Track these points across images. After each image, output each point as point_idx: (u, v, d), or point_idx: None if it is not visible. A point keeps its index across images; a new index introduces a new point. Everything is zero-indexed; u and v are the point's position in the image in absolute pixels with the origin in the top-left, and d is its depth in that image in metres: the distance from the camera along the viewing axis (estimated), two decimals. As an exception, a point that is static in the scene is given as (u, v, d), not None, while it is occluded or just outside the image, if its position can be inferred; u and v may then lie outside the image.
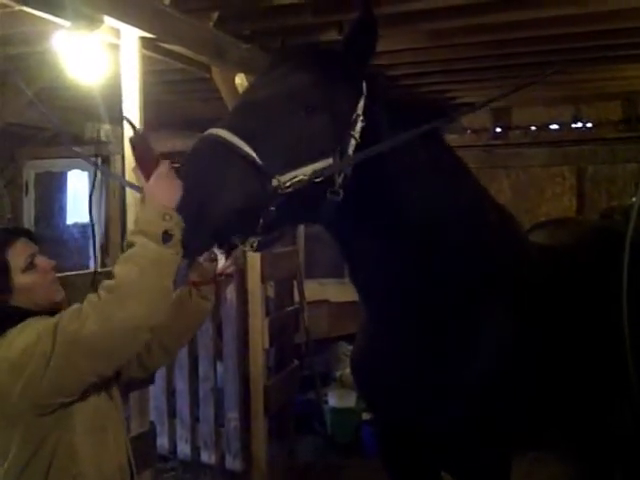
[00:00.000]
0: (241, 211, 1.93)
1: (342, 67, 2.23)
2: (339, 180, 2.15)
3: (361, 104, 2.22)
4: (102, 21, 3.39)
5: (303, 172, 2.04)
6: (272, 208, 2.00)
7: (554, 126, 8.16)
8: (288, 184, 1.99)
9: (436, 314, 2.48)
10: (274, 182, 1.97)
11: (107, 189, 7.99)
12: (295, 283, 6.38)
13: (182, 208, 1.88)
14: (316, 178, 2.06)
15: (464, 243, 2.49)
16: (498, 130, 8.44)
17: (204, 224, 1.90)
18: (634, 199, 2.81)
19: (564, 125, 8.12)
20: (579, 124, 8.06)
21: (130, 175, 3.77)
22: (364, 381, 2.88)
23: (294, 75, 2.16)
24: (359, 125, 2.20)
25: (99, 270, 7.14)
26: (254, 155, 1.95)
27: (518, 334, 2.57)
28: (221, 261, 2.27)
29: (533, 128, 8.26)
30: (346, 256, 2.49)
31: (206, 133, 1.99)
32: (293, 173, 2.02)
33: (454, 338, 2.50)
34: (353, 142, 2.18)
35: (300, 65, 2.20)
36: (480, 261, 2.55)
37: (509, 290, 2.62)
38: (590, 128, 8.04)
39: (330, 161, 2.11)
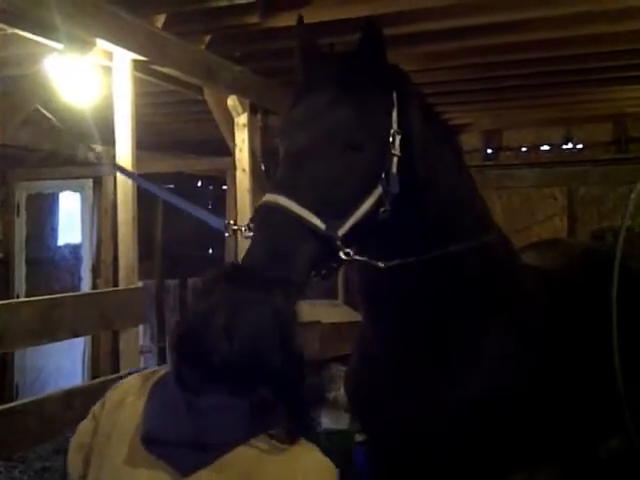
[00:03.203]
0: (313, 268, 2.01)
1: (374, 83, 2.17)
2: (388, 198, 2.14)
3: (394, 116, 2.18)
4: (94, 44, 3.42)
5: (360, 212, 2.07)
6: (334, 264, 2.08)
7: (545, 147, 8.22)
8: (350, 238, 2.04)
9: (440, 336, 2.47)
10: (338, 242, 2.01)
11: (99, 210, 8.00)
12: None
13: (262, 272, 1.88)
14: (376, 218, 2.12)
15: (474, 260, 2.47)
16: (489, 151, 8.49)
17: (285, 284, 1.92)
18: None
19: (555, 147, 8.18)
20: (570, 145, 8.12)
21: (122, 190, 3.78)
22: (360, 401, 2.86)
23: (333, 111, 2.10)
24: (397, 140, 2.16)
25: (89, 292, 7.14)
26: (321, 226, 1.97)
27: (516, 358, 2.57)
28: None
29: (524, 149, 8.32)
30: (365, 272, 2.46)
31: (270, 201, 1.99)
32: (352, 220, 2.05)
33: (456, 361, 2.49)
34: (395, 160, 2.16)
35: (334, 95, 2.12)
36: (484, 283, 2.54)
37: (508, 315, 2.62)
38: (580, 150, 8.10)
39: (380, 190, 2.11)
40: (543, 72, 5.28)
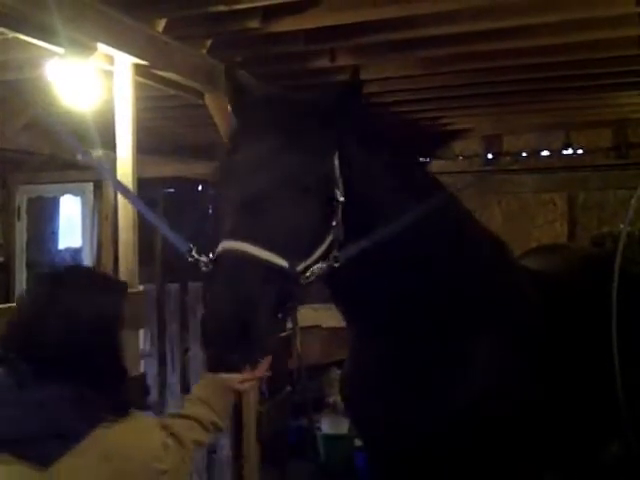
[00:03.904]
0: (276, 309, 2.03)
1: (320, 128, 2.14)
2: (336, 246, 2.17)
3: (337, 163, 2.17)
4: (95, 48, 3.42)
5: (320, 251, 2.10)
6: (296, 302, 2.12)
7: (545, 153, 8.22)
8: (308, 275, 2.07)
9: (430, 341, 2.48)
10: (301, 279, 2.04)
11: (99, 214, 8.00)
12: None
13: (228, 323, 1.89)
14: (335, 262, 2.14)
15: (449, 270, 2.49)
16: (490, 156, 8.49)
17: (252, 337, 1.93)
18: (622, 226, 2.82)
19: (555, 152, 8.17)
20: (570, 151, 8.12)
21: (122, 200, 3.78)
22: (355, 407, 2.87)
23: (283, 155, 2.08)
24: (341, 182, 2.16)
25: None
26: (283, 264, 1.97)
27: (515, 360, 2.57)
28: None
29: (524, 155, 8.32)
30: (339, 285, 2.47)
31: (229, 247, 1.97)
32: (312, 259, 2.08)
33: (448, 367, 2.50)
34: (342, 199, 2.15)
35: (284, 137, 2.10)
36: (473, 292, 2.55)
37: (503, 321, 2.62)
38: (581, 155, 8.10)
39: (331, 236, 2.13)
40: (544, 77, 5.29)
